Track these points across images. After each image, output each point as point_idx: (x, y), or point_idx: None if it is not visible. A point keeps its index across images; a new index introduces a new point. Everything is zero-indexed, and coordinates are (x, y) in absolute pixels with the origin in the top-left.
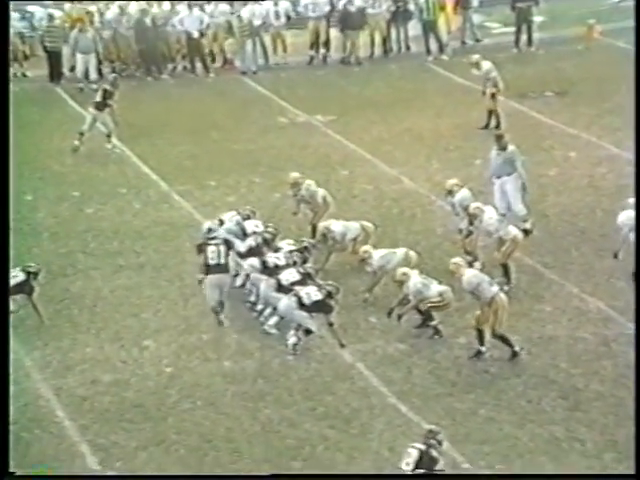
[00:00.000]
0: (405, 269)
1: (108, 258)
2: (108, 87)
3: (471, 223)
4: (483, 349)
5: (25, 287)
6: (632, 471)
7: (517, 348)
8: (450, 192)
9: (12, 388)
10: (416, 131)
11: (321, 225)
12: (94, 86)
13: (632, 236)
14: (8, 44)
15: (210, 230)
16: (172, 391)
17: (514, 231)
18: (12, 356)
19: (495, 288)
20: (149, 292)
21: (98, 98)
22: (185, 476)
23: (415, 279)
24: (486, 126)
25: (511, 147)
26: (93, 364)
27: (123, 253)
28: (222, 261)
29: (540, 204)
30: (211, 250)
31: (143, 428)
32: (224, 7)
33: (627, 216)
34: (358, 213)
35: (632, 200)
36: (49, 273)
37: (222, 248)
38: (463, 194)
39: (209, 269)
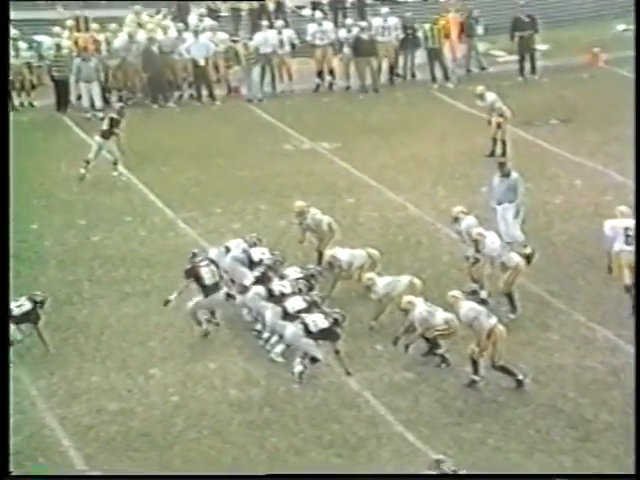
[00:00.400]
0: (410, 297)
1: (114, 286)
2: (115, 115)
3: (477, 250)
4: (477, 378)
5: (31, 316)
6: (632, 471)
7: (520, 377)
8: (456, 219)
9: (17, 417)
10: (422, 158)
11: (327, 253)
12: (99, 114)
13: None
14: (8, 44)
15: (195, 255)
16: (178, 420)
17: (516, 258)
18: (18, 385)
19: (493, 320)
20: (155, 320)
21: (104, 126)
22: (185, 476)
23: (420, 307)
24: (492, 154)
25: (514, 174)
26: (99, 393)
27: (129, 281)
28: (217, 279)
29: (546, 232)
30: (205, 272)
31: (149, 457)
32: (222, 35)
33: (611, 226)
34: (364, 240)
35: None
36: (55, 301)
37: (214, 267)
38: (469, 221)
39: (208, 289)
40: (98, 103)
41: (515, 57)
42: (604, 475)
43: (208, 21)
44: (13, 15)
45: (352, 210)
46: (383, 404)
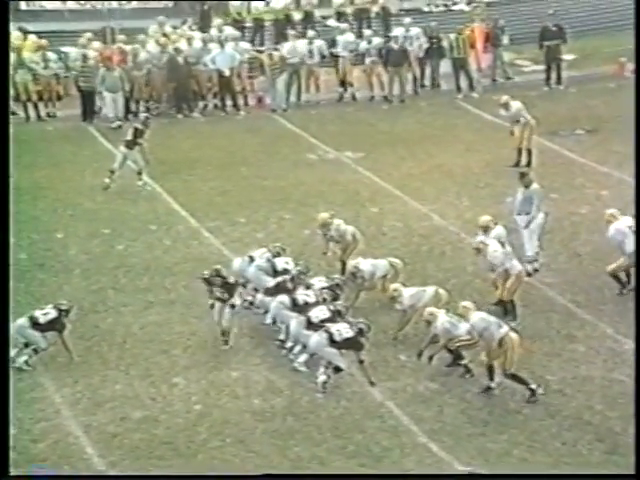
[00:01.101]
0: (432, 309)
1: (138, 294)
2: (139, 126)
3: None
4: (493, 385)
5: (56, 324)
6: (632, 471)
7: (533, 386)
8: (485, 229)
9: (42, 424)
10: (446, 168)
11: (350, 264)
12: (117, 123)
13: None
14: (8, 45)
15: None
16: (201, 428)
17: (519, 267)
18: (42, 393)
19: (504, 329)
20: (179, 329)
21: (129, 136)
22: (185, 476)
23: (442, 318)
24: (517, 164)
25: (534, 186)
26: (123, 401)
27: (153, 289)
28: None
29: (572, 242)
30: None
31: (173, 465)
32: (245, 45)
33: (616, 229)
34: (387, 250)
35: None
36: (80, 310)
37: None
38: (498, 231)
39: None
40: (120, 113)
41: (541, 67)
42: (604, 475)
43: (229, 30)
44: (40, 27)
45: (376, 220)
46: (407, 414)
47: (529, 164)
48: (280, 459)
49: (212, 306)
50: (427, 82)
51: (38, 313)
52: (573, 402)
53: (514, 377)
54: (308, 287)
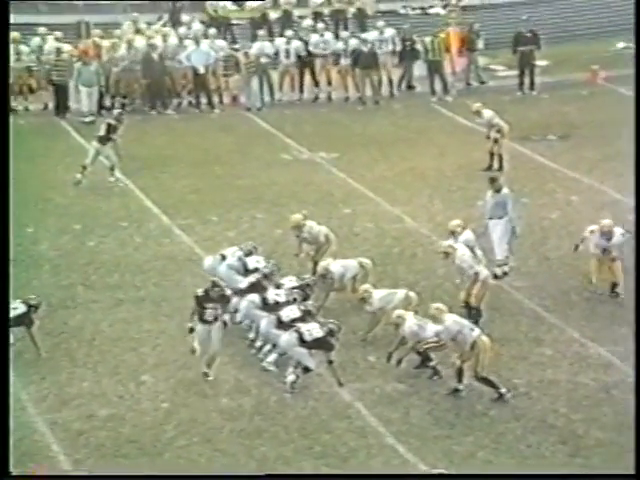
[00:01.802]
0: (400, 311)
1: (108, 291)
2: (112, 121)
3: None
4: (461, 387)
5: (25, 319)
6: (632, 471)
7: (503, 390)
8: (453, 233)
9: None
10: (419, 170)
11: (320, 265)
12: (90, 118)
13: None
14: (8, 45)
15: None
16: (169, 427)
17: (486, 272)
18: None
19: (477, 332)
20: (148, 326)
21: (102, 132)
22: (185, 476)
23: (410, 321)
24: (489, 168)
25: (505, 190)
26: (90, 398)
27: (123, 287)
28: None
29: (541, 247)
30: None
31: (139, 463)
32: (221, 43)
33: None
34: (359, 251)
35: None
36: (49, 306)
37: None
38: (467, 235)
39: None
40: (93, 107)
41: (515, 72)
42: (604, 475)
43: (196, 25)
44: (14, 19)
45: (348, 221)
46: (374, 415)
47: (501, 168)
48: (247, 459)
49: (191, 330)
50: (399, 84)
51: None
52: (538, 405)
53: (485, 380)
54: (278, 287)
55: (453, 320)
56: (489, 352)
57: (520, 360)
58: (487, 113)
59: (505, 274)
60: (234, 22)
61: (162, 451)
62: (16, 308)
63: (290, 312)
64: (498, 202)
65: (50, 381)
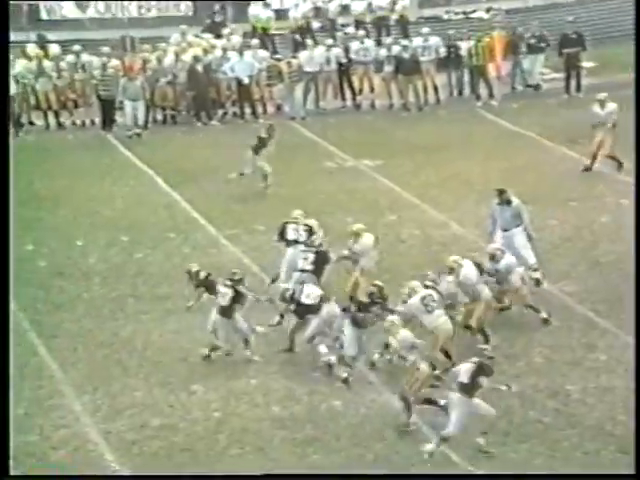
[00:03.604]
0: (392, 317)
1: (157, 302)
2: (263, 134)
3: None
4: (411, 420)
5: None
6: (632, 471)
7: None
8: (493, 257)
9: (62, 431)
10: (465, 176)
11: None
12: (134, 131)
13: None
14: (8, 44)
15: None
16: (221, 436)
17: (487, 293)
18: (62, 400)
19: (412, 357)
20: (198, 336)
21: (255, 143)
22: (185, 476)
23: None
24: (588, 169)
25: (515, 200)
26: (142, 408)
27: (172, 297)
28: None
29: (592, 251)
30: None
31: (192, 472)
32: (263, 53)
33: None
34: (406, 258)
35: None
36: (99, 317)
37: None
38: (508, 260)
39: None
40: (141, 121)
41: (560, 74)
42: (604, 475)
43: (236, 38)
44: (58, 35)
45: (394, 227)
46: (425, 423)
47: (620, 166)
48: (299, 467)
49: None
50: (447, 90)
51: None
52: (595, 412)
53: (404, 400)
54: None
55: (404, 336)
56: (427, 380)
57: (573, 366)
58: (611, 105)
59: (544, 278)
60: (275, 32)
61: (215, 460)
62: (226, 293)
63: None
64: (514, 213)
65: (103, 392)
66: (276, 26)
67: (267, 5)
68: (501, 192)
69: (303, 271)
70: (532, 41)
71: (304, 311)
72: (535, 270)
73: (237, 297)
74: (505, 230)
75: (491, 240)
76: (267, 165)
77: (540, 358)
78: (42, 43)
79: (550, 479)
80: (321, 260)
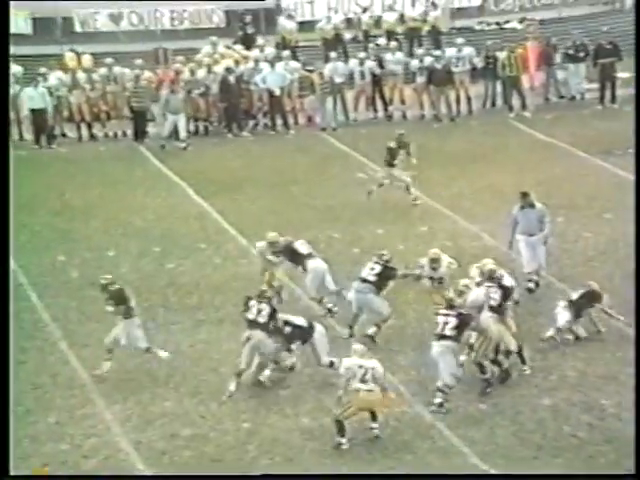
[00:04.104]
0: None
1: (188, 312)
2: (392, 145)
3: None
4: (343, 440)
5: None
6: (632, 471)
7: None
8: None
9: (93, 440)
10: (497, 187)
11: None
12: (182, 145)
13: None
14: (8, 44)
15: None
16: (251, 447)
17: (488, 321)
18: (93, 409)
19: (356, 384)
20: (228, 346)
21: (386, 156)
22: (185, 476)
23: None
24: None
25: (539, 204)
26: (172, 418)
27: (203, 308)
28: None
29: (627, 264)
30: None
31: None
32: (295, 64)
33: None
34: None
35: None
36: None
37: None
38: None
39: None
40: (183, 134)
41: (594, 85)
42: (604, 475)
43: (268, 49)
44: (93, 48)
45: (426, 239)
46: (457, 436)
47: None
48: (329, 479)
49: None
50: (482, 102)
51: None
52: (630, 427)
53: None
54: None
55: (349, 364)
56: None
57: (608, 380)
58: None
59: (537, 284)
60: (306, 44)
61: (245, 470)
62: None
63: None
64: (539, 217)
65: (133, 401)
66: (303, 37)
67: (291, 17)
68: (524, 195)
69: (365, 281)
70: (571, 51)
71: None
72: (529, 280)
73: (274, 313)
74: (530, 235)
75: (510, 248)
76: (405, 174)
77: (573, 372)
78: (76, 55)
79: (551, 479)
80: (386, 275)
